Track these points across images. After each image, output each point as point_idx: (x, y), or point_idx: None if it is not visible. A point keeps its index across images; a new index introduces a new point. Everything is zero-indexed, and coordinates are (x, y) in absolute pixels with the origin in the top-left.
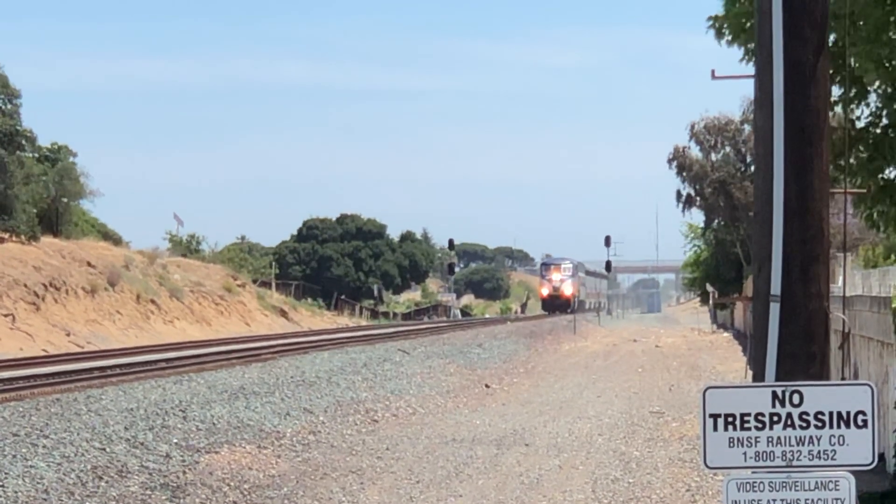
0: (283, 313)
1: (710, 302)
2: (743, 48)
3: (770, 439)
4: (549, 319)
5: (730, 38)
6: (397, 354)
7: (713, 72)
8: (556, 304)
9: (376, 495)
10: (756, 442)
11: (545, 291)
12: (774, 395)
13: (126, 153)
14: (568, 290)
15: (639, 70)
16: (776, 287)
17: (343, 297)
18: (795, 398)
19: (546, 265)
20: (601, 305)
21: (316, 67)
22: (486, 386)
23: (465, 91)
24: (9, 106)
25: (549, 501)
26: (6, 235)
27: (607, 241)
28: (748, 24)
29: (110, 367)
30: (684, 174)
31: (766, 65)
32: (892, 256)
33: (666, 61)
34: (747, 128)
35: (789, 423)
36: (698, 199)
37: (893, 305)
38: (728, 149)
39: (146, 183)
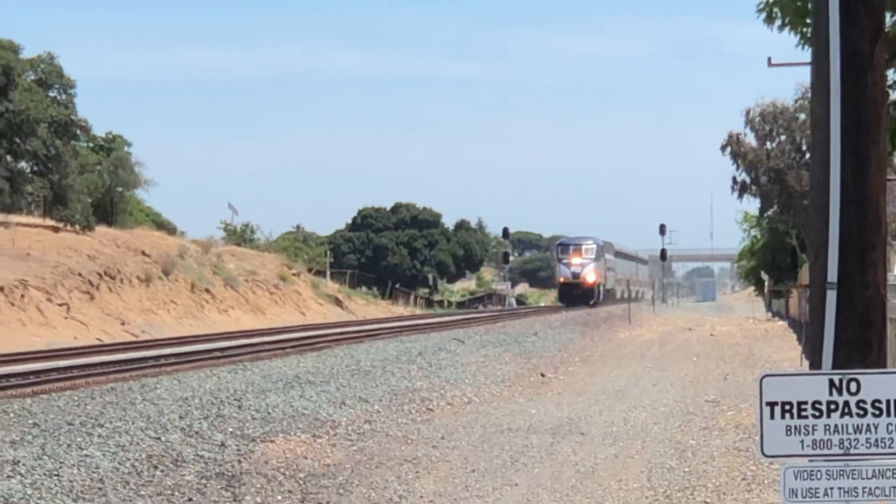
0: (338, 302)
1: (765, 290)
2: (795, 33)
3: (827, 427)
4: (603, 308)
5: (780, 23)
6: (452, 343)
7: (769, 59)
8: (574, 295)
9: (431, 484)
10: (813, 430)
11: (562, 278)
12: (832, 383)
13: (180, 142)
14: (590, 276)
15: (689, 59)
16: (833, 275)
17: (398, 285)
18: (853, 386)
19: (564, 246)
20: (638, 294)
21: (368, 57)
22: (542, 375)
23: (518, 80)
24: (63, 96)
25: (605, 490)
26: (61, 225)
27: (662, 229)
28: (800, 8)
29: (165, 357)
30: (739, 161)
31: (823, 52)
32: None
33: (716, 50)
34: (802, 115)
35: (846, 411)
36: (753, 186)
37: None
38: (783, 136)
39: (201, 172)
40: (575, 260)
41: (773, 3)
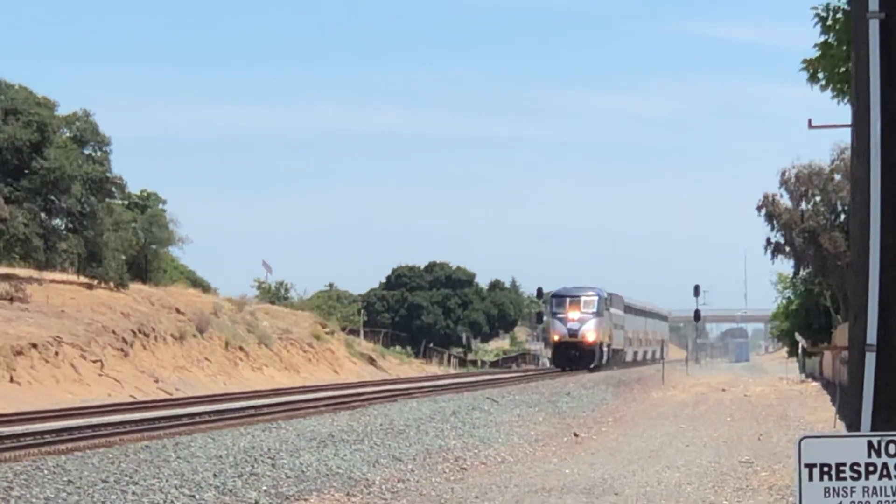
0: (372, 361)
1: (799, 351)
2: (835, 92)
3: (866, 489)
4: (636, 369)
5: (823, 82)
6: (486, 402)
7: (809, 121)
8: (570, 356)
9: None
10: (852, 492)
11: (556, 336)
12: (870, 445)
13: (215, 200)
14: (591, 334)
15: (728, 119)
16: (872, 337)
17: (432, 344)
18: (891, 448)
19: (559, 297)
20: (655, 356)
21: (406, 115)
22: (575, 434)
23: (557, 140)
24: (99, 153)
25: None
26: (95, 282)
27: (696, 290)
28: (843, 69)
29: (199, 414)
30: (774, 222)
31: (864, 114)
32: None
33: (754, 110)
34: (838, 176)
35: (885, 473)
36: (787, 247)
37: None
38: (818, 197)
39: (235, 230)
40: (572, 314)
41: (817, 61)
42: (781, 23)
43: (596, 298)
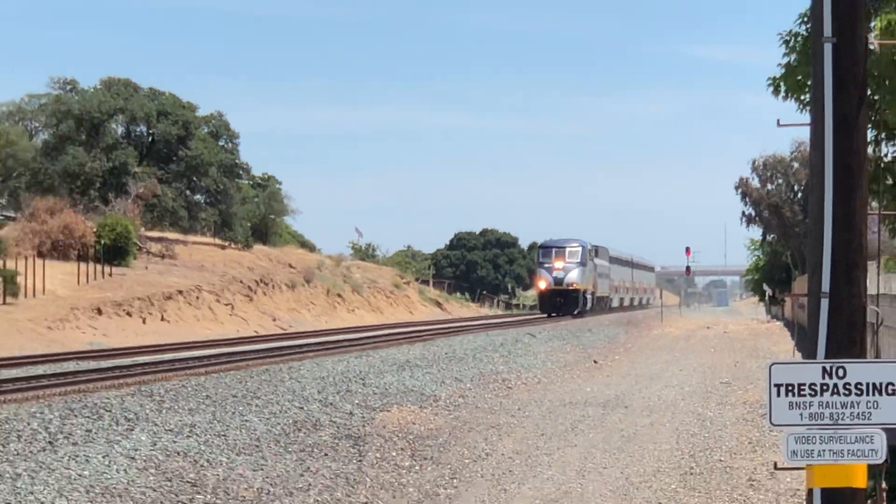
0: (439, 304)
1: (766, 298)
2: (795, 101)
3: (821, 403)
4: (641, 312)
5: (785, 94)
6: (526, 337)
7: (778, 121)
8: (556, 302)
9: (510, 445)
10: (810, 405)
11: (542, 284)
12: (824, 369)
13: (320, 180)
14: (576, 281)
15: (712, 119)
16: (826, 287)
17: (484, 292)
18: (840, 372)
19: (546, 248)
20: (642, 302)
21: (474, 116)
22: (595, 362)
23: (579, 135)
24: (230, 144)
25: (643, 450)
26: (227, 244)
27: (687, 251)
28: (803, 83)
29: (307, 345)
30: (747, 199)
31: (820, 116)
32: None
33: (733, 112)
34: (795, 164)
35: (835, 391)
36: (757, 218)
37: None
38: (780, 180)
39: (335, 202)
40: (558, 264)
41: (780, 79)
42: (749, 43)
43: (580, 249)
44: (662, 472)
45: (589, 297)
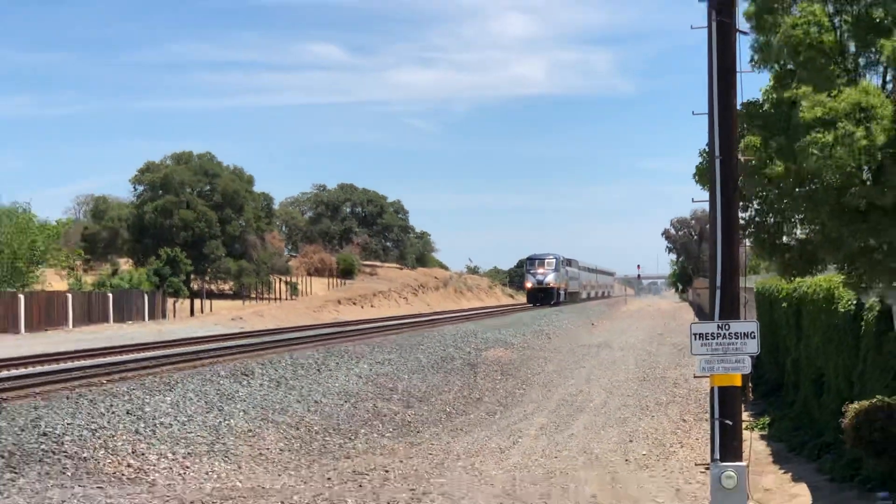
0: (511, 297)
1: (678, 291)
2: (702, 188)
3: (716, 343)
4: (608, 300)
5: (699, 182)
6: (555, 313)
7: (693, 199)
8: (538, 297)
9: (552, 366)
10: (711, 344)
11: (529, 284)
12: (719, 325)
13: (455, 232)
14: (552, 282)
15: (652, 199)
16: (718, 283)
17: None
18: (727, 327)
19: (531, 260)
20: (602, 294)
21: (525, 143)
22: (592, 324)
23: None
24: (404, 215)
25: (618, 368)
26: (402, 267)
27: (637, 266)
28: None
29: (445, 319)
30: (668, 240)
31: (714, 197)
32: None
33: (662, 196)
34: (693, 221)
35: (723, 336)
36: (674, 249)
37: (754, 290)
38: (685, 230)
39: (463, 242)
40: (540, 270)
41: (696, 175)
42: (679, 155)
43: (554, 260)
44: (629, 380)
45: (562, 292)
